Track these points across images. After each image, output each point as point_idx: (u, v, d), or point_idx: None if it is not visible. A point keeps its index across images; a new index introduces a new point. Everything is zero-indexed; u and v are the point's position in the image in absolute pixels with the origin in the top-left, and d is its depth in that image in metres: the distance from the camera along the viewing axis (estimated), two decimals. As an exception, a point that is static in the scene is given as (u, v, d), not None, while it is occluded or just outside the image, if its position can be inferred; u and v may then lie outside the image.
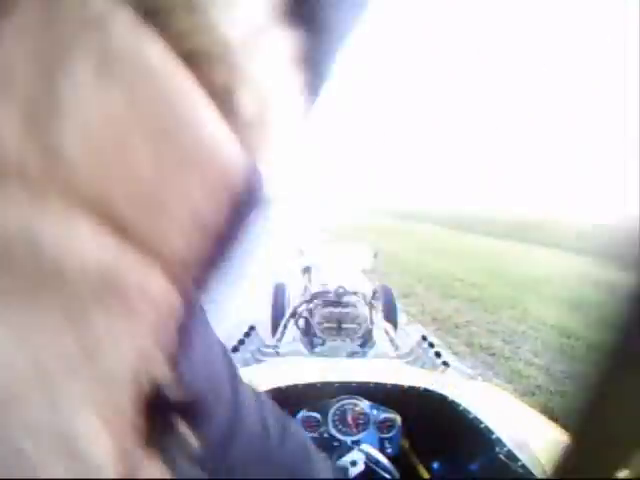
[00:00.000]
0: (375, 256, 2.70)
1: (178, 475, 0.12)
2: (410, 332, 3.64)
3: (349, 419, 0.74)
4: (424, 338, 1.48)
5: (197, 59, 0.09)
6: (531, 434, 0.62)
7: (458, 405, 0.71)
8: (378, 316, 1.93)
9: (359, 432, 0.73)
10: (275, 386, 0.76)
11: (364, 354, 1.52)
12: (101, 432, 0.09)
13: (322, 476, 0.29)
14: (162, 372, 0.10)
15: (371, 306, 1.83)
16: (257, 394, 0.26)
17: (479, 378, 0.90)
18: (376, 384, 0.87)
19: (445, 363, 1.28)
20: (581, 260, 9.51)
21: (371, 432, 0.73)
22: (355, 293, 1.91)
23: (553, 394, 2.40)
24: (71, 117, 0.08)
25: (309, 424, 0.75)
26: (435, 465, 0.75)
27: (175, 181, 0.09)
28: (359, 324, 1.67)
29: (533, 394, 2.34)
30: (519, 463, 0.55)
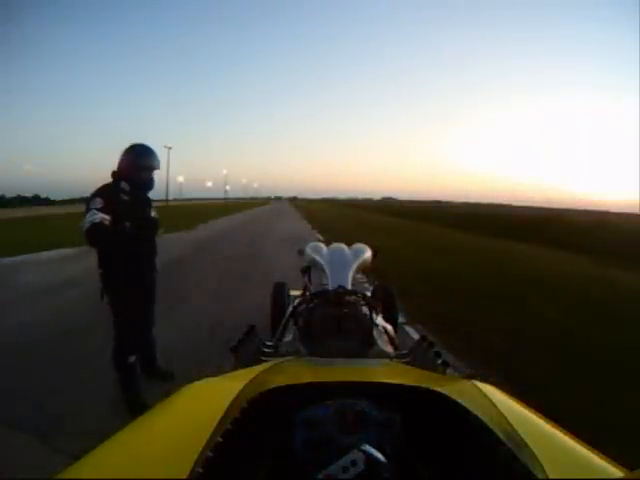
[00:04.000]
0: (375, 256, 2.69)
1: None
2: (410, 332, 3.65)
3: (349, 419, 0.73)
4: (424, 338, 1.48)
5: None
6: (531, 434, 0.62)
7: (458, 405, 0.71)
8: (378, 316, 1.92)
9: (359, 432, 0.72)
10: (275, 386, 0.76)
11: (364, 354, 1.51)
12: None
13: None
14: None
15: (371, 306, 1.82)
16: None
17: (479, 378, 0.89)
18: (376, 384, 0.86)
19: (445, 363, 1.28)
20: (581, 259, 9.52)
21: (371, 432, 0.73)
22: (355, 293, 1.91)
23: (554, 393, 2.41)
24: None
25: (309, 424, 0.75)
26: (435, 465, 0.75)
27: None
28: (359, 324, 1.66)
29: (533, 393, 2.34)
30: (519, 463, 0.55)
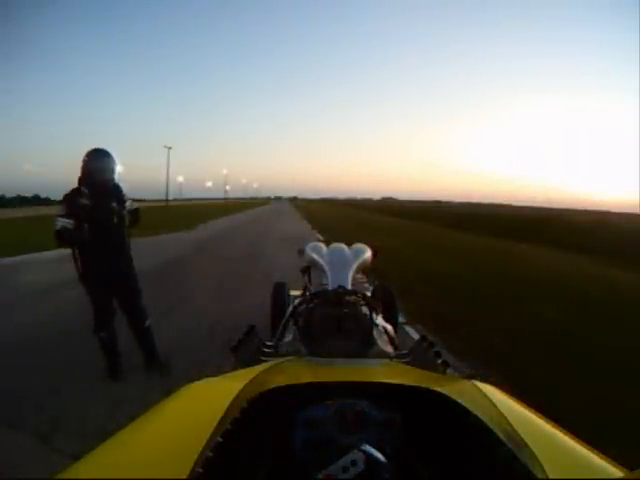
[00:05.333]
0: (375, 256, 2.69)
1: None
2: (410, 332, 3.65)
3: (349, 419, 0.73)
4: (424, 338, 1.47)
5: None
6: (531, 434, 0.62)
7: (458, 405, 0.71)
8: (378, 316, 1.92)
9: (359, 432, 0.72)
10: (275, 386, 0.76)
11: (364, 354, 1.51)
12: None
13: None
14: None
15: (371, 306, 1.82)
16: None
17: (479, 378, 0.89)
18: (376, 384, 0.86)
19: (445, 363, 1.28)
20: (581, 259, 9.52)
21: (371, 432, 0.73)
22: (355, 293, 1.91)
23: (554, 393, 2.41)
24: None
25: (309, 424, 0.75)
26: (435, 465, 0.75)
27: None
28: (359, 324, 1.66)
29: (533, 393, 2.34)
30: (519, 463, 0.55)
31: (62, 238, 2.32)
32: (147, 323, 2.74)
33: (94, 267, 2.47)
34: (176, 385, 0.82)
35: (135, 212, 2.69)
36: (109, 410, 2.17)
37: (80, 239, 2.33)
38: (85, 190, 2.41)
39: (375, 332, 1.68)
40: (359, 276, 4.83)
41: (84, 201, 2.37)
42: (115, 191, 2.55)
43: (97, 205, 2.41)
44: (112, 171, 2.51)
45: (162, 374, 2.64)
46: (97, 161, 2.45)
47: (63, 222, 2.29)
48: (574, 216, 29.98)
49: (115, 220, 2.51)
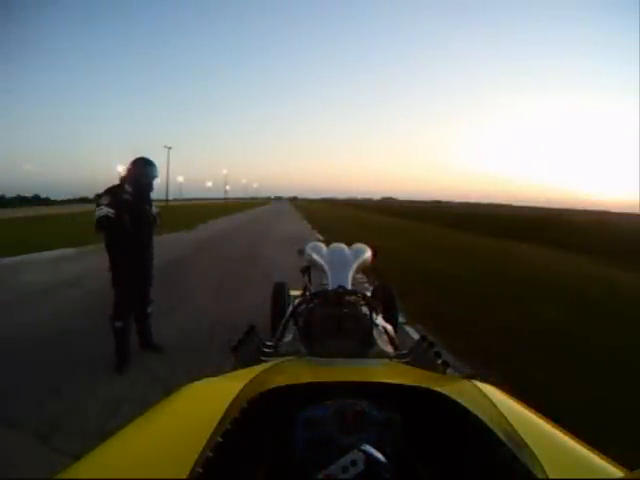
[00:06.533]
0: (375, 256, 2.69)
1: None
2: (410, 332, 3.65)
3: (349, 419, 0.73)
4: (424, 338, 1.47)
5: None
6: (531, 434, 0.62)
7: (458, 405, 0.71)
8: (378, 316, 1.92)
9: (359, 432, 0.72)
10: (275, 386, 0.76)
11: (364, 354, 1.51)
12: None
13: None
14: None
15: (371, 306, 1.82)
16: None
17: (479, 378, 0.89)
18: (376, 384, 0.86)
19: (445, 363, 1.28)
20: (581, 259, 9.51)
21: (371, 432, 0.73)
22: (355, 293, 1.91)
23: (553, 393, 2.41)
24: None
25: (309, 424, 0.74)
26: (435, 465, 0.75)
27: None
28: (359, 324, 1.66)
29: (533, 394, 2.34)
30: (519, 463, 0.55)
31: (104, 224, 2.55)
32: (149, 309, 3.05)
33: (128, 257, 2.73)
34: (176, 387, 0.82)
35: (158, 215, 3.03)
36: (109, 411, 2.17)
37: (121, 228, 2.60)
38: (129, 188, 2.73)
39: (375, 332, 1.68)
40: (359, 276, 4.83)
41: (126, 197, 2.68)
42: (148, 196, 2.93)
43: (137, 203, 2.74)
44: (154, 178, 2.86)
45: (156, 351, 3.01)
46: (146, 168, 2.79)
47: (107, 211, 2.55)
48: (573, 216, 29.99)
49: (150, 219, 2.88)
